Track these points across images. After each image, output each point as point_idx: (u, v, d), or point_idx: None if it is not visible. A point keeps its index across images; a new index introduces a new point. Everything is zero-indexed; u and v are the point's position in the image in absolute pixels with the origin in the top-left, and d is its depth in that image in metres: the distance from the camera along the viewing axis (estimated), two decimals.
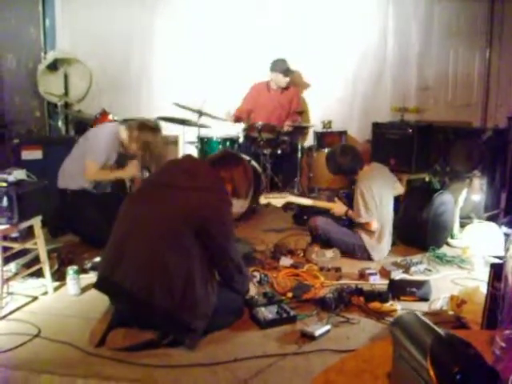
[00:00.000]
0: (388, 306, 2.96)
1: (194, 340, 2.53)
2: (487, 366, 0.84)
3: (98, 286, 2.68)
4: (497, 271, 2.39)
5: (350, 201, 4.04)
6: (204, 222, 2.53)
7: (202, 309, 2.52)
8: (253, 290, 3.15)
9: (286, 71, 5.80)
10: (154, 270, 2.46)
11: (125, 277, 2.49)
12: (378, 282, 3.41)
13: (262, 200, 4.10)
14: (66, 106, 6.14)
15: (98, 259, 3.59)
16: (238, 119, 5.94)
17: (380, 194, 3.88)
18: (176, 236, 2.51)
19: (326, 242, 3.97)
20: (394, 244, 4.11)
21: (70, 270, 3.17)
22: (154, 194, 2.69)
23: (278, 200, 4.08)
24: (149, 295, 2.44)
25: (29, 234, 3.20)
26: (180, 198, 2.57)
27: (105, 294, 2.71)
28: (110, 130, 4.09)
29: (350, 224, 4.02)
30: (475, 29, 5.67)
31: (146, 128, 4.02)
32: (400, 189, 4.24)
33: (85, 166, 3.94)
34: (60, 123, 5.85)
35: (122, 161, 4.17)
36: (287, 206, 5.07)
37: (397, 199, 4.11)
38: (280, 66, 5.79)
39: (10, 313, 2.91)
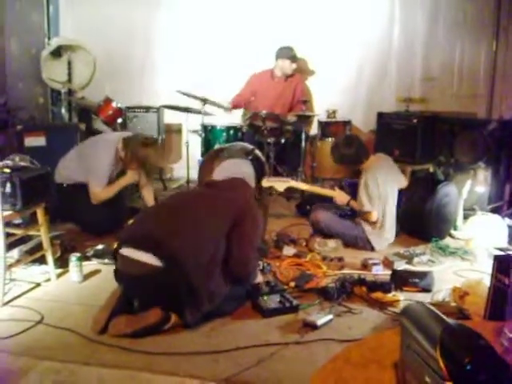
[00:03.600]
0: (390, 296, 2.97)
1: (195, 316, 2.56)
2: (498, 358, 0.83)
3: (120, 243, 2.70)
4: (500, 263, 2.38)
5: (353, 190, 4.02)
6: (242, 213, 2.85)
7: (212, 287, 2.62)
8: (259, 278, 3.15)
9: (293, 57, 5.78)
10: (189, 231, 2.65)
11: (155, 228, 2.67)
12: (381, 273, 3.40)
13: (265, 183, 4.09)
14: (70, 92, 6.10)
15: (100, 246, 3.60)
16: (236, 106, 5.94)
17: (385, 185, 3.85)
18: (217, 219, 2.78)
19: (328, 236, 3.97)
20: (397, 234, 4.10)
21: (73, 257, 3.18)
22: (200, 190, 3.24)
23: (280, 184, 4.05)
24: (177, 241, 2.58)
25: (32, 220, 3.19)
26: (224, 195, 2.97)
27: (124, 253, 2.64)
28: (110, 150, 4.04)
29: (352, 214, 4.01)
30: (482, 20, 5.61)
31: (144, 145, 4.01)
32: (404, 182, 4.21)
33: (90, 191, 3.97)
34: (63, 110, 5.84)
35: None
36: (289, 194, 5.07)
37: (400, 191, 4.09)
38: (287, 53, 5.76)
39: (13, 299, 2.91)
